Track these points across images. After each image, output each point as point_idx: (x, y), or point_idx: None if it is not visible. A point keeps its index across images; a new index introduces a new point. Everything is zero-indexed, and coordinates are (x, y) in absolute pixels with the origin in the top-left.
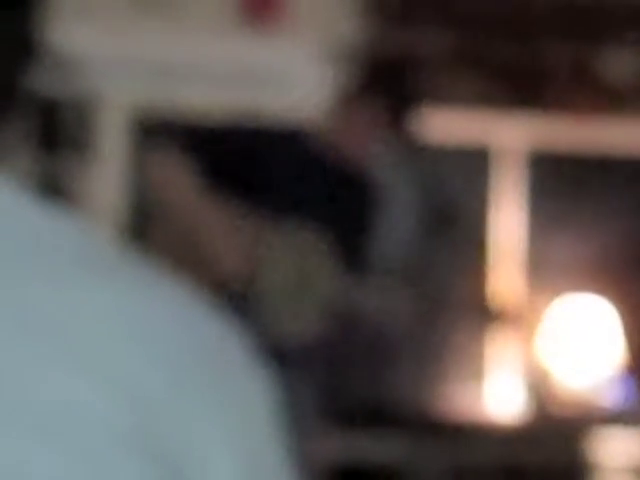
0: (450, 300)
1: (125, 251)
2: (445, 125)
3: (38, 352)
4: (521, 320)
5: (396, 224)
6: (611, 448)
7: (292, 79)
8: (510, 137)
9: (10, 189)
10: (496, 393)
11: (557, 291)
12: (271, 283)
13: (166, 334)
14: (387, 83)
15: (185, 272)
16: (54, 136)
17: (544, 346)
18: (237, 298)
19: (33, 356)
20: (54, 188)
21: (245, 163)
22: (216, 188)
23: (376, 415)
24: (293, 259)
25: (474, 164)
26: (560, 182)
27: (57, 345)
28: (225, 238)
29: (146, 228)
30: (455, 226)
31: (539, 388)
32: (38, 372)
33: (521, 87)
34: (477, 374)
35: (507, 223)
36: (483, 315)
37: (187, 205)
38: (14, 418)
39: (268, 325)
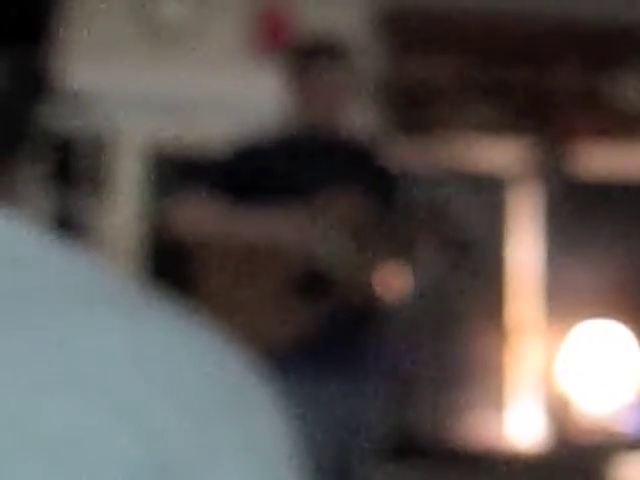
0: (469, 328)
1: (142, 289)
2: (460, 152)
3: (53, 384)
4: (540, 347)
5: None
6: (632, 474)
7: None
8: (524, 163)
9: (26, 227)
10: (516, 421)
11: (575, 318)
12: (331, 258)
13: (183, 375)
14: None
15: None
16: (71, 173)
17: (563, 373)
18: (312, 284)
19: (48, 387)
20: (71, 225)
21: (260, 176)
22: (243, 205)
23: (396, 444)
24: (340, 227)
25: (490, 191)
26: (576, 208)
27: (72, 379)
28: (279, 238)
29: (186, 269)
30: (472, 254)
31: (559, 415)
32: (51, 402)
33: (533, 113)
34: (497, 402)
35: (524, 250)
36: (502, 343)
37: (231, 229)
38: (24, 444)
39: (341, 296)
